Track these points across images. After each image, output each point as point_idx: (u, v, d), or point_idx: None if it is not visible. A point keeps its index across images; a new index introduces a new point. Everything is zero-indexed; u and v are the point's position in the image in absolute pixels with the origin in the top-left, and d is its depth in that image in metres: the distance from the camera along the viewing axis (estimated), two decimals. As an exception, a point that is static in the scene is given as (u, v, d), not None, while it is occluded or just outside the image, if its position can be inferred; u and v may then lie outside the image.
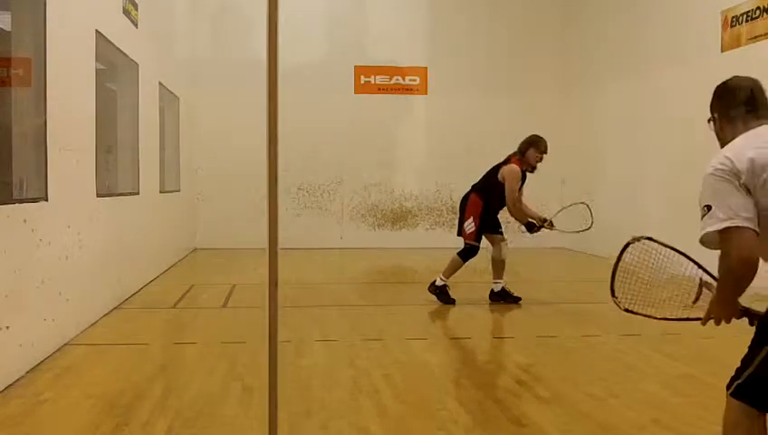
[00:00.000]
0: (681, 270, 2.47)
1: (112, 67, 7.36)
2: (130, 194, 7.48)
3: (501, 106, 12.49)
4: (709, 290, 2.32)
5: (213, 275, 9.39)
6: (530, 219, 6.93)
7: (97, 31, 6.00)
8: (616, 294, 2.47)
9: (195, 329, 5.91)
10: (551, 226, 7.03)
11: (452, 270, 6.93)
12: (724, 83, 2.67)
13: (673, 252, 2.46)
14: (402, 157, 12.69)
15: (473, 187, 7.11)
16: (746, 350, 2.27)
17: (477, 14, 12.73)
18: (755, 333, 2.28)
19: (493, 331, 6.04)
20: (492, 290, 6.97)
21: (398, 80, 12.63)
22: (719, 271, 2.21)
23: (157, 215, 8.65)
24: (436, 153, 12.57)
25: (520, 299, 6.89)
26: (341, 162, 12.44)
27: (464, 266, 6.93)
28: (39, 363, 4.44)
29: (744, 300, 2.27)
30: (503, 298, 6.91)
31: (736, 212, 2.12)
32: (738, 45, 8.06)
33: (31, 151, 4.83)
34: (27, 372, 4.25)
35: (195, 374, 4.38)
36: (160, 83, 8.90)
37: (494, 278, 6.99)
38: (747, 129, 2.36)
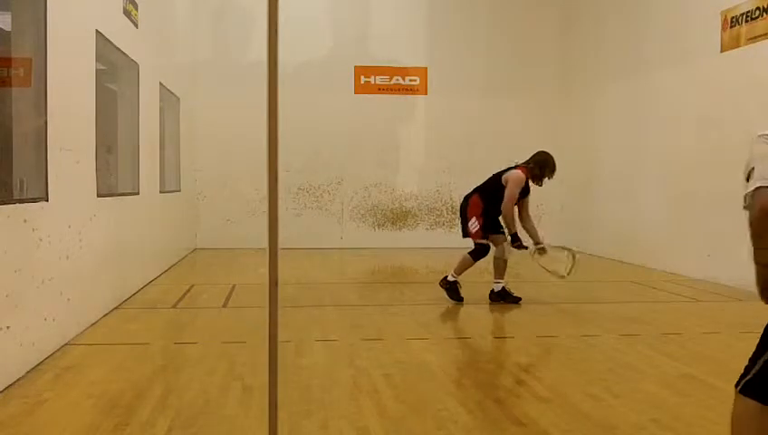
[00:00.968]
0: None
1: (112, 67, 7.36)
2: (130, 194, 7.48)
3: (501, 106, 12.50)
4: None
5: (213, 275, 9.39)
6: (518, 234, 6.87)
7: (97, 31, 6.00)
8: None
9: (195, 329, 5.91)
10: (540, 251, 6.95)
11: (463, 268, 6.99)
12: None
13: None
14: (402, 157, 12.69)
15: (475, 188, 7.12)
16: (754, 348, 2.28)
17: (477, 14, 12.73)
18: (764, 331, 2.29)
19: (493, 331, 6.04)
20: (492, 290, 6.98)
21: (398, 80, 12.64)
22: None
23: (157, 215, 8.65)
24: (436, 153, 12.58)
25: (520, 299, 6.89)
26: (341, 162, 12.44)
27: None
28: (39, 363, 4.44)
29: None
30: (503, 298, 6.91)
31: None
32: (738, 45, 8.06)
33: (31, 151, 4.83)
34: (27, 372, 4.25)
35: (195, 374, 4.38)
36: (160, 83, 8.90)
37: (494, 278, 7.00)
38: None
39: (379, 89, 12.57)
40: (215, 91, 11.86)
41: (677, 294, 7.64)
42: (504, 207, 6.87)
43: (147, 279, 7.91)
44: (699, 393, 3.97)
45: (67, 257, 5.05)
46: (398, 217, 12.70)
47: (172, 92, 9.83)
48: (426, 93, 12.68)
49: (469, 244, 7.08)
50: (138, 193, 7.64)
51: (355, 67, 12.48)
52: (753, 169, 2.20)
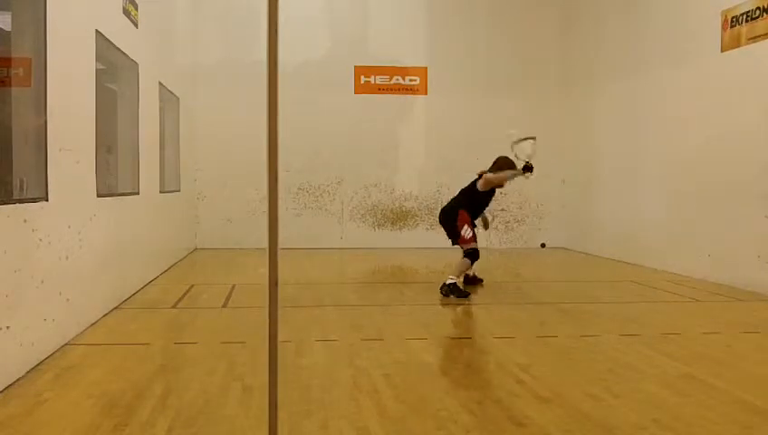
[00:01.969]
0: None
1: (112, 67, 7.36)
2: (130, 194, 7.48)
3: (501, 106, 12.49)
4: None
5: (213, 275, 9.39)
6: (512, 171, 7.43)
7: (97, 31, 6.00)
8: None
9: (195, 329, 5.91)
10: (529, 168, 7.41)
11: (461, 270, 7.33)
12: None
13: None
14: (402, 157, 12.69)
15: (458, 203, 7.61)
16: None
17: (477, 14, 12.73)
18: None
19: (493, 331, 6.03)
20: (444, 283, 7.22)
21: (398, 80, 12.63)
22: None
23: (157, 215, 8.65)
24: (436, 153, 12.58)
25: (469, 294, 7.20)
26: (341, 162, 12.44)
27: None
28: (39, 363, 4.44)
29: None
30: (454, 293, 7.14)
31: None
32: (738, 45, 8.06)
33: (31, 151, 4.83)
34: (27, 372, 4.25)
35: (195, 374, 4.38)
36: (160, 83, 8.90)
37: (452, 274, 7.29)
38: None
39: (379, 89, 12.57)
40: (215, 91, 11.87)
41: (677, 294, 7.64)
42: (495, 180, 7.44)
43: (147, 279, 7.91)
44: (699, 393, 3.97)
45: (67, 257, 5.06)
46: (398, 217, 12.70)
47: (172, 92, 9.83)
48: (426, 93, 12.68)
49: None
50: (138, 193, 7.64)
51: (355, 67, 12.48)
52: None
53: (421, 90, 12.69)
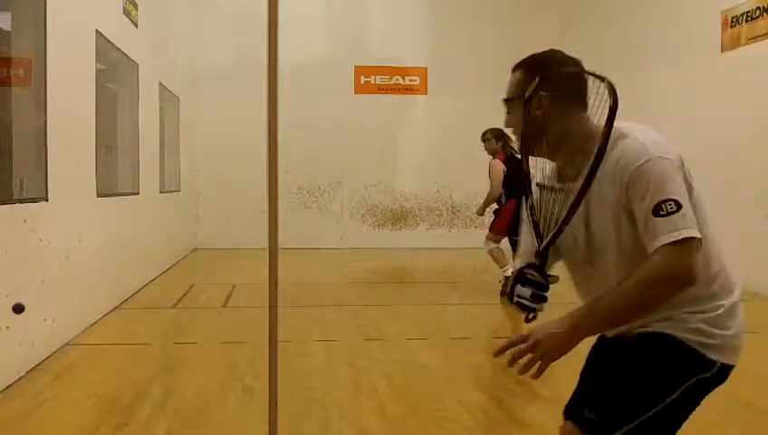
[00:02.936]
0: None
1: (112, 67, 7.36)
2: (130, 194, 7.48)
3: (501, 106, 12.46)
4: None
5: (213, 275, 9.39)
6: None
7: (97, 31, 6.00)
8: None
9: (195, 329, 5.91)
10: None
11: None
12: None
13: None
14: (402, 157, 12.68)
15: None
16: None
17: (478, 14, 12.73)
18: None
19: (493, 331, 6.04)
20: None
21: (398, 80, 12.63)
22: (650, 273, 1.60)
23: (157, 215, 8.65)
24: (436, 153, 12.57)
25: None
26: (341, 162, 12.43)
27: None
28: (39, 363, 4.44)
29: None
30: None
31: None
32: (738, 45, 8.06)
33: (31, 151, 4.83)
34: (27, 372, 4.25)
35: (195, 374, 4.38)
36: (160, 83, 8.90)
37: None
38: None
39: (379, 89, 12.57)
40: (215, 91, 11.86)
41: (677, 294, 7.63)
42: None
43: (147, 279, 7.90)
44: (699, 393, 3.97)
45: (66, 257, 5.05)
46: (398, 217, 12.70)
47: (172, 92, 9.83)
48: (426, 93, 12.67)
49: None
50: (138, 193, 7.64)
51: (355, 67, 12.47)
52: (676, 202, 1.60)
53: (421, 90, 12.69)
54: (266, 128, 2.18)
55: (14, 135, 4.84)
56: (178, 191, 10.42)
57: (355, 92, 12.50)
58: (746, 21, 7.95)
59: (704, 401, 1.79)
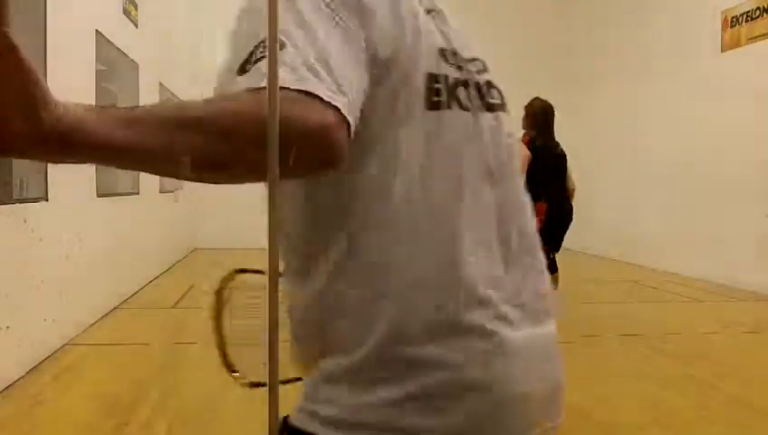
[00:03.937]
0: None
1: (112, 67, 7.36)
2: (130, 194, 7.48)
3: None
4: None
5: (213, 275, 9.37)
6: None
7: (97, 31, 6.00)
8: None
9: (195, 329, 5.90)
10: None
11: None
12: None
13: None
14: (402, 157, 12.66)
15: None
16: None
17: (477, 13, 12.73)
18: None
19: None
20: None
21: (398, 80, 12.62)
22: None
23: (157, 215, 8.65)
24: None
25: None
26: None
27: None
28: (39, 363, 4.44)
29: None
30: None
31: None
32: (738, 45, 8.07)
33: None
34: (27, 372, 4.25)
35: (195, 374, 4.38)
36: (160, 83, 8.90)
37: None
38: None
39: (379, 89, 12.56)
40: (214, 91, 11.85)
41: (677, 293, 7.64)
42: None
43: (146, 279, 7.90)
44: (699, 393, 3.97)
45: (67, 257, 5.05)
46: (398, 217, 12.68)
47: (172, 92, 9.83)
48: (426, 93, 12.65)
49: None
50: (137, 193, 7.64)
51: (355, 67, 12.46)
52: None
53: (421, 90, 12.67)
54: (266, 128, 2.18)
55: (14, 135, 4.83)
56: (178, 191, 10.42)
57: (355, 92, 12.49)
58: (746, 21, 7.96)
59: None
